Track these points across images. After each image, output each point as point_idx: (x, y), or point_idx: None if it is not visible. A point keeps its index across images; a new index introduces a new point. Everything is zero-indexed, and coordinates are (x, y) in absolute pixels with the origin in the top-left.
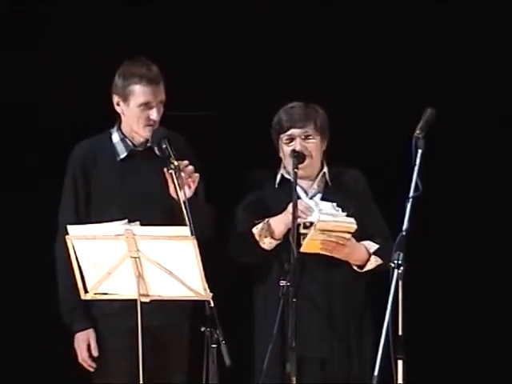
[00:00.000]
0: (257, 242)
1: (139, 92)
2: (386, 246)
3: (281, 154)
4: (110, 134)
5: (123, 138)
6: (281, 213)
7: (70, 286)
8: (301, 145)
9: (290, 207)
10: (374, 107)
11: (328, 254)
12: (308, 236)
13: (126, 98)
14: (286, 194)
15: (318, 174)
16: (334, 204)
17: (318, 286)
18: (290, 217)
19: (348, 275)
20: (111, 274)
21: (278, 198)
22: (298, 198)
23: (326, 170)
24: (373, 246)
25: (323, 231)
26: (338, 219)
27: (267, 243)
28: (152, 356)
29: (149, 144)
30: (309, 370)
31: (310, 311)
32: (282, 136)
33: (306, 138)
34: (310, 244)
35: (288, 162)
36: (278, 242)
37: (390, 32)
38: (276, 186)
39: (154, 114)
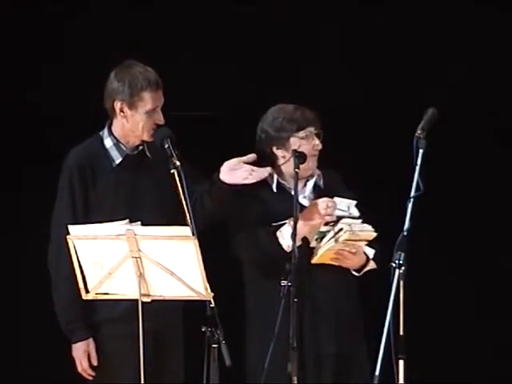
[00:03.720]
0: (280, 246)
1: (149, 98)
2: (378, 249)
3: (284, 154)
4: (102, 139)
5: (116, 143)
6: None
7: (67, 298)
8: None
9: (307, 208)
10: (376, 107)
11: (336, 263)
12: (326, 247)
13: (133, 105)
14: (285, 197)
15: (309, 176)
16: (354, 202)
17: (327, 284)
18: (314, 217)
19: (349, 276)
20: (112, 274)
21: (279, 202)
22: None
23: (319, 172)
24: (370, 251)
25: (346, 241)
26: (361, 228)
27: (291, 245)
28: (152, 357)
29: (141, 147)
30: (325, 366)
31: (321, 310)
32: (299, 134)
33: (318, 136)
34: (324, 255)
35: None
36: (300, 243)
37: (390, 32)
38: (275, 190)
39: (162, 119)
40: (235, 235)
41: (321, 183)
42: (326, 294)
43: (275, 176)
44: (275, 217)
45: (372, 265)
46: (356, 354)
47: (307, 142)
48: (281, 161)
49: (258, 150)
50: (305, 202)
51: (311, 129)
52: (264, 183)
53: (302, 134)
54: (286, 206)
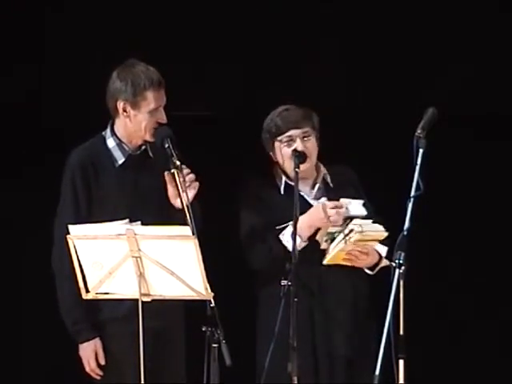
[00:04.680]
0: (285, 248)
1: (151, 98)
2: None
3: (279, 158)
4: (104, 139)
5: (119, 143)
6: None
7: (72, 298)
8: (302, 145)
9: (314, 209)
10: (376, 107)
11: (348, 264)
12: (336, 248)
13: (136, 105)
14: (293, 199)
15: (317, 176)
16: (361, 201)
17: (339, 286)
18: (319, 218)
19: (362, 275)
20: (112, 274)
21: (287, 204)
22: (307, 202)
23: (325, 171)
24: (383, 249)
25: (356, 241)
26: (371, 228)
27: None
28: (154, 356)
29: (144, 147)
30: (338, 368)
31: (333, 312)
32: (280, 138)
33: (306, 137)
34: (336, 256)
35: (288, 165)
36: (305, 243)
37: (390, 32)
38: (282, 192)
39: (164, 118)
40: (245, 238)
41: (329, 181)
42: (338, 296)
43: (283, 178)
44: (284, 219)
45: (385, 262)
46: (367, 356)
47: (288, 145)
48: (280, 163)
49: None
50: (315, 203)
51: (293, 132)
52: (273, 185)
53: (281, 138)
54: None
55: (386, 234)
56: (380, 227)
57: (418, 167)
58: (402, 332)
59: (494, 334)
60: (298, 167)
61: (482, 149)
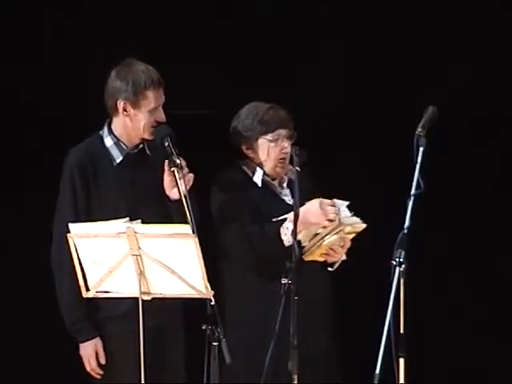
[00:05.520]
0: (281, 242)
1: (152, 97)
2: None
3: (261, 155)
4: (102, 138)
5: (117, 142)
6: (275, 213)
7: (71, 296)
8: (289, 146)
9: (311, 205)
10: (376, 107)
11: (323, 259)
12: (326, 241)
13: (137, 104)
14: (271, 194)
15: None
16: (346, 203)
17: (314, 285)
18: (316, 214)
19: (328, 274)
20: (113, 272)
21: (265, 198)
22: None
23: (290, 167)
24: None
25: (347, 233)
26: (354, 220)
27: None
28: (153, 355)
29: (141, 145)
30: (312, 367)
31: (310, 310)
32: (269, 136)
33: (289, 138)
34: (316, 251)
35: (270, 162)
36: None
37: (390, 32)
38: (259, 184)
39: (163, 117)
40: (223, 232)
41: (293, 177)
42: (314, 296)
43: (260, 171)
44: (261, 215)
45: (343, 257)
46: (335, 354)
47: (276, 144)
48: (256, 160)
49: (230, 145)
50: (286, 199)
51: (281, 131)
52: (248, 178)
53: (270, 136)
54: (271, 204)
55: (364, 225)
56: (358, 219)
57: (418, 165)
58: (402, 331)
59: (494, 334)
60: (299, 166)
61: (481, 149)
